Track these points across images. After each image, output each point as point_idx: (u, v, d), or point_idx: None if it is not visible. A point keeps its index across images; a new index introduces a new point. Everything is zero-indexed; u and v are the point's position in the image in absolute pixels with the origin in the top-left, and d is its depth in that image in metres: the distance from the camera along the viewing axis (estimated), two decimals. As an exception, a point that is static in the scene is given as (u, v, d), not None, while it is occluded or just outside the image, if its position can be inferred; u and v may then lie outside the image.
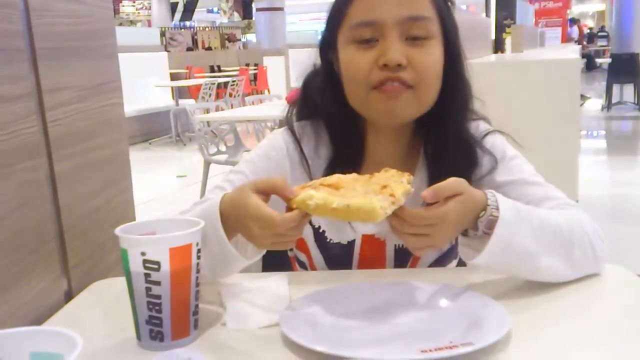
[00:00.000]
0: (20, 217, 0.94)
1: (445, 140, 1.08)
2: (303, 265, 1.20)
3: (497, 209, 0.90)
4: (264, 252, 0.95)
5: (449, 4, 1.07)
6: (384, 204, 0.80)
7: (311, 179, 1.10)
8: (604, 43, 20.67)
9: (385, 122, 1.08)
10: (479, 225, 0.91)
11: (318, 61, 1.13)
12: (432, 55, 1.01)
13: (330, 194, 0.84)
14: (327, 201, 0.81)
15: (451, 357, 0.74)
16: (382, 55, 0.99)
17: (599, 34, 22.07)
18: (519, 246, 0.91)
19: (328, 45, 1.09)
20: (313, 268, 1.17)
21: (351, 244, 1.13)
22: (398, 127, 1.10)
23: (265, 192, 0.88)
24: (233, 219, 0.90)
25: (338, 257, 1.14)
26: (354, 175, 0.90)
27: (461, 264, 1.28)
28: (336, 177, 0.88)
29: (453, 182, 0.88)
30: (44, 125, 1.01)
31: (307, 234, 1.15)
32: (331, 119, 1.11)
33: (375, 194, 0.82)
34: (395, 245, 1.14)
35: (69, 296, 1.06)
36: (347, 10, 1.03)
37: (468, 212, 0.90)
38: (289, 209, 0.86)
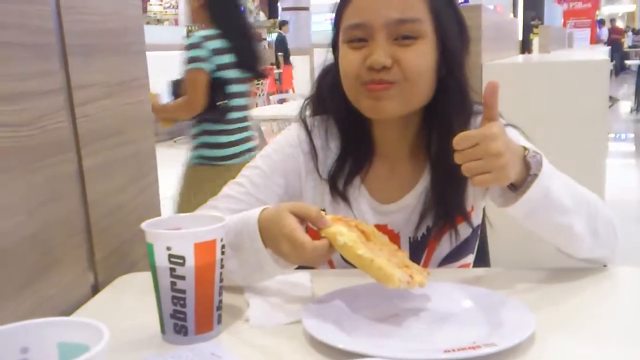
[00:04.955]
0: (49, 211, 0.95)
1: (443, 138, 1.07)
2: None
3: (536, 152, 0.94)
4: (295, 265, 0.97)
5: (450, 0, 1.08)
6: (401, 277, 0.84)
7: (318, 171, 1.14)
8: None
9: (373, 117, 1.10)
10: (530, 161, 0.92)
11: (330, 59, 1.17)
12: (420, 54, 1.02)
13: (359, 238, 0.88)
14: (355, 245, 0.86)
15: (474, 358, 0.73)
16: (368, 56, 1.02)
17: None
18: (556, 195, 0.93)
19: (334, 46, 1.14)
20: (330, 261, 1.17)
21: None
22: (401, 125, 1.12)
23: (301, 217, 0.90)
24: (266, 233, 0.93)
25: None
26: (387, 240, 0.96)
27: (478, 260, 1.26)
28: (372, 230, 0.94)
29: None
30: (73, 121, 1.02)
31: None
32: (339, 114, 1.15)
33: (397, 267, 0.86)
34: (409, 238, 1.14)
35: (95, 289, 1.07)
36: (343, 13, 1.08)
37: (508, 140, 0.89)
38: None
